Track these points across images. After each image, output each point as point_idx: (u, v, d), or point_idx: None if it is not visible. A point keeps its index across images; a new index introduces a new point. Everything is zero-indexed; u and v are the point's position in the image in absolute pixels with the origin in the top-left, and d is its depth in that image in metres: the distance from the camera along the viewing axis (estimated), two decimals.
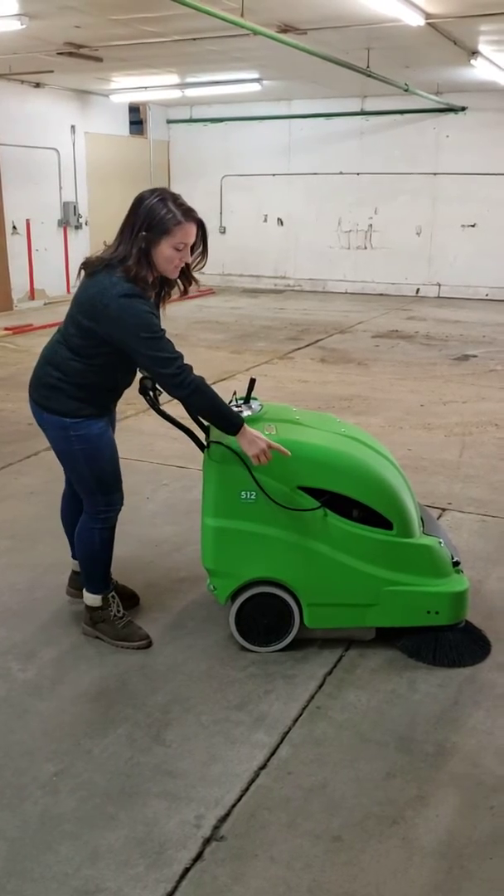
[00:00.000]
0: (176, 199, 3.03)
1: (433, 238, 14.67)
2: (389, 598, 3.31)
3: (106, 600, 3.50)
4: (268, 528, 3.27)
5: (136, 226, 2.99)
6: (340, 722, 2.99)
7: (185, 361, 3.03)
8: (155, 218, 2.97)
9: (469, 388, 7.87)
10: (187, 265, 3.17)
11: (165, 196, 3.02)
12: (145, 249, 2.99)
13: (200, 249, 3.15)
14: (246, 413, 3.36)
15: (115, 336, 3.03)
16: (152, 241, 2.98)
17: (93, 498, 3.38)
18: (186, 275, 3.24)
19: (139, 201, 3.02)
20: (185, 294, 3.34)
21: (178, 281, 3.26)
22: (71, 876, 2.32)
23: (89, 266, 3.10)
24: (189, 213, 3.03)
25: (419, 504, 3.60)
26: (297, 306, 13.64)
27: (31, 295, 13.31)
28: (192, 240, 3.05)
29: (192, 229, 3.03)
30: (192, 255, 3.13)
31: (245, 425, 3.11)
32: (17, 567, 4.18)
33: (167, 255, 3.02)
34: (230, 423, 3.10)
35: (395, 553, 3.31)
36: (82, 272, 3.14)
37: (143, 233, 2.97)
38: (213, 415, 3.13)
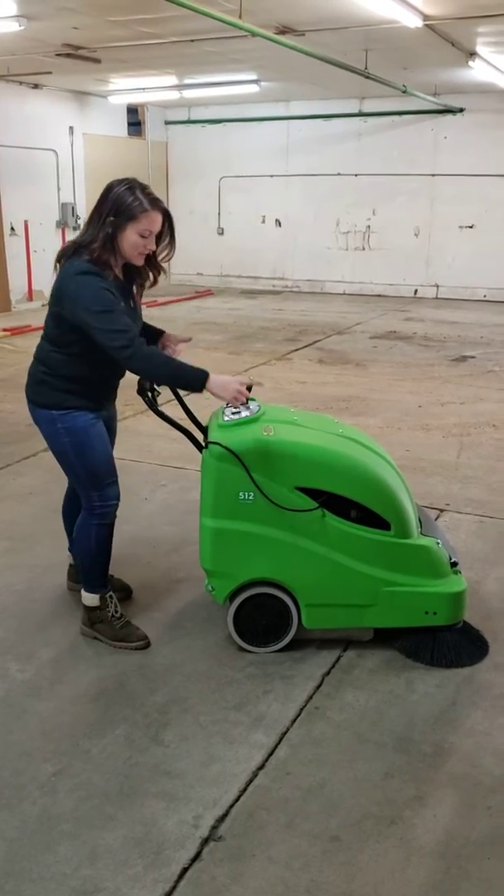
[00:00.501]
0: (144, 188, 3.11)
1: (431, 239, 14.68)
2: (387, 599, 3.32)
3: (104, 600, 3.50)
4: (266, 528, 3.27)
5: (104, 212, 3.08)
6: (339, 722, 2.99)
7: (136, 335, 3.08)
8: (122, 205, 3.05)
9: (467, 389, 7.87)
10: (154, 255, 3.23)
11: (134, 185, 3.09)
12: (112, 234, 3.07)
13: (168, 240, 3.22)
14: (244, 414, 3.37)
15: (76, 314, 3.08)
16: (119, 226, 3.06)
17: (87, 493, 3.39)
18: (154, 264, 3.30)
19: (108, 189, 3.10)
20: (154, 284, 3.38)
21: (148, 271, 3.31)
22: (69, 876, 2.32)
23: (62, 255, 3.18)
24: (156, 203, 3.10)
25: (417, 505, 3.61)
26: (296, 307, 13.65)
27: (30, 296, 13.31)
28: (157, 228, 3.12)
29: (158, 217, 3.11)
30: (159, 245, 3.20)
31: (211, 374, 3.12)
32: (15, 568, 4.18)
33: (132, 240, 3.08)
34: (195, 378, 3.11)
35: (393, 554, 3.31)
36: (58, 265, 3.21)
37: (111, 218, 3.05)
38: (176, 377, 3.16)
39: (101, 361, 3.23)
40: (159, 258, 3.27)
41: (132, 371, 3.17)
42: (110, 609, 3.50)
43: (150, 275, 3.33)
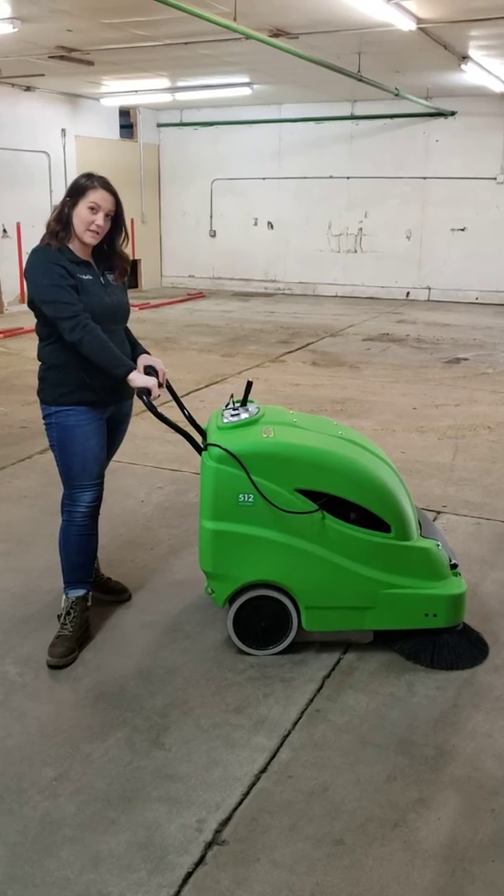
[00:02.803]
0: (100, 177, 3.29)
1: (423, 242, 14.72)
2: (387, 601, 3.31)
3: (66, 601, 3.50)
4: (266, 531, 3.26)
5: (63, 197, 3.31)
6: (340, 725, 2.98)
7: (84, 319, 3.17)
8: (75, 186, 3.27)
9: (461, 391, 7.89)
10: (113, 242, 3.37)
11: (90, 174, 3.31)
12: (67, 213, 3.25)
13: (123, 234, 3.38)
14: (244, 416, 3.37)
15: (32, 292, 3.23)
16: (73, 205, 3.24)
17: (64, 489, 3.47)
18: (115, 250, 3.42)
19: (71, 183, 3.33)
20: (125, 273, 3.47)
21: (117, 258, 3.42)
22: (72, 881, 2.30)
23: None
24: (106, 184, 3.28)
25: (416, 507, 3.61)
26: (288, 310, 13.66)
27: (22, 298, 13.26)
28: (106, 205, 3.25)
29: (107, 195, 3.25)
30: (112, 228, 3.32)
31: (135, 371, 3.23)
32: (12, 571, 4.16)
33: (83, 215, 3.23)
34: (121, 365, 3.21)
35: (392, 556, 3.30)
36: None
37: (67, 199, 3.27)
38: (104, 356, 3.19)
39: None
40: (116, 242, 3.40)
41: (72, 340, 3.17)
42: (61, 614, 3.49)
43: (118, 261, 3.44)
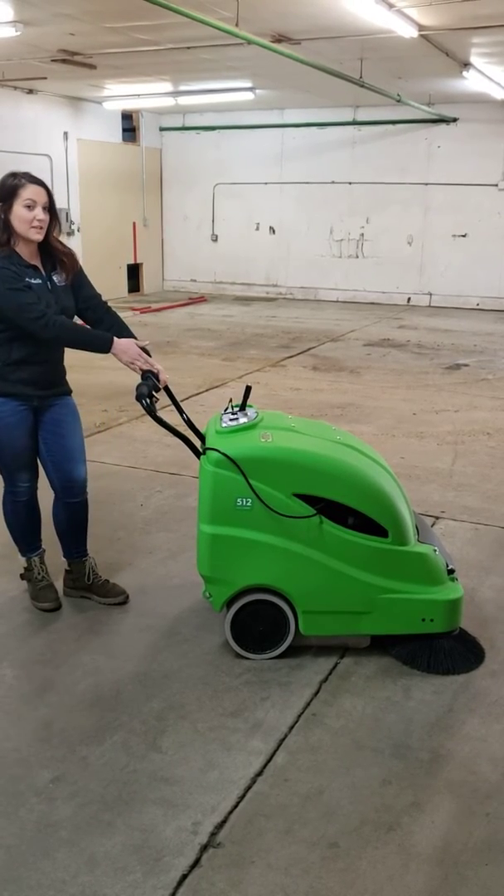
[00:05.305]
0: (25, 173, 3.35)
1: (424, 247, 14.75)
2: (384, 606, 3.32)
3: (29, 563, 3.83)
4: (263, 535, 3.27)
5: None
6: (336, 729, 2.99)
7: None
8: (5, 188, 3.30)
9: (461, 397, 7.90)
10: (48, 234, 3.40)
11: (15, 172, 3.36)
12: (4, 218, 3.30)
13: (57, 223, 3.44)
14: (242, 420, 3.38)
15: None
16: (8, 209, 3.29)
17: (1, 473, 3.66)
18: (52, 243, 3.45)
19: None
20: (71, 264, 3.51)
21: (52, 248, 3.45)
22: (68, 883, 2.31)
23: None
24: (33, 178, 3.34)
25: (414, 512, 3.62)
26: (289, 314, 13.68)
27: None
28: (41, 198, 3.30)
29: (38, 189, 3.31)
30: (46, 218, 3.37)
31: (114, 338, 3.37)
32: (6, 573, 4.15)
33: (20, 214, 3.28)
34: (102, 342, 3.37)
35: (390, 560, 3.32)
36: None
37: (0, 203, 3.29)
38: (84, 341, 3.38)
39: (16, 344, 3.36)
40: (51, 233, 3.43)
41: (47, 338, 3.30)
42: (34, 572, 3.83)
43: (60, 256, 3.48)
